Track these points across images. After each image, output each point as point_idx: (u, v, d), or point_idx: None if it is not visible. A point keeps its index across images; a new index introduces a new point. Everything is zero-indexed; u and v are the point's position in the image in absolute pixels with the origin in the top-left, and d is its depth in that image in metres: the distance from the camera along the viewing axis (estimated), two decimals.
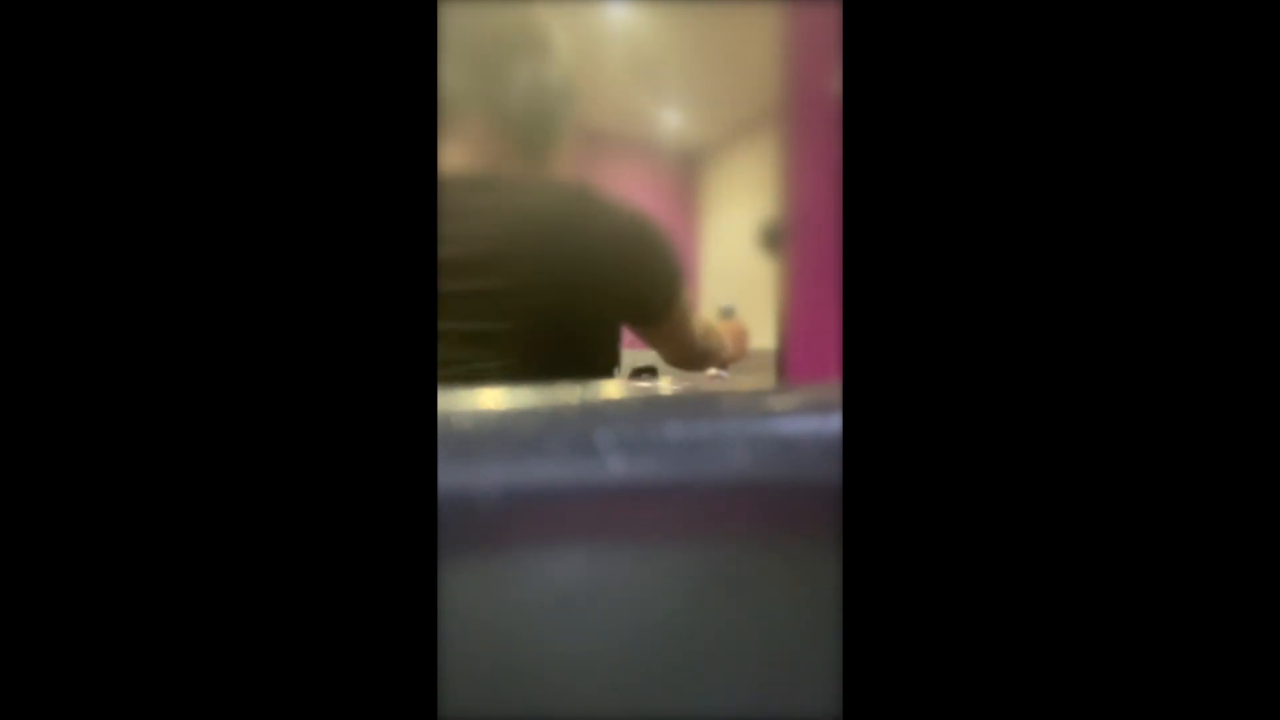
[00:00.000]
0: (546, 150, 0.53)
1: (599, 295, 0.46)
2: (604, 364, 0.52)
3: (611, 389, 0.24)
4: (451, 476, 0.19)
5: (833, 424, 0.21)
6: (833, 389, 0.23)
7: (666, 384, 0.26)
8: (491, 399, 0.22)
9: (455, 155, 0.49)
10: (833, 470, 0.20)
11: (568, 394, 0.23)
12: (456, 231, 0.43)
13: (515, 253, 0.43)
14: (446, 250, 0.42)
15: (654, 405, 0.23)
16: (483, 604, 0.19)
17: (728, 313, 0.86)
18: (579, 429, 0.20)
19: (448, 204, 0.43)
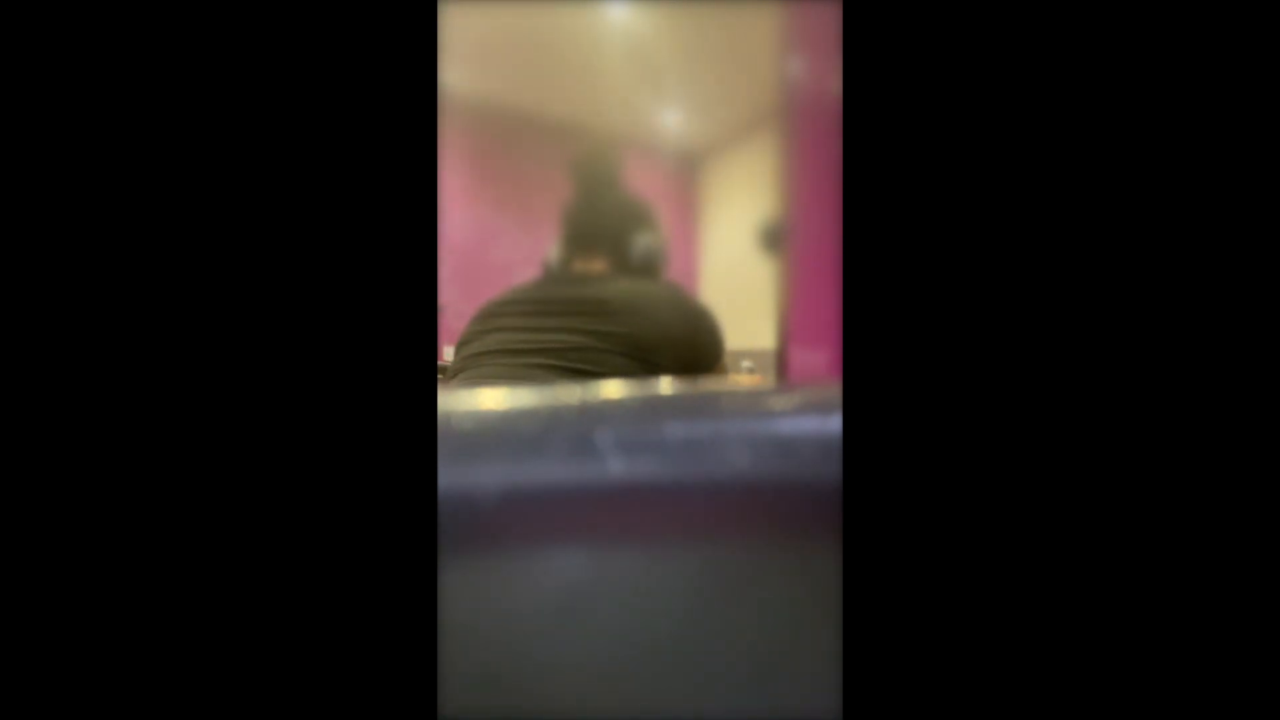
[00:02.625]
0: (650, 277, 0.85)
1: (675, 351, 0.71)
2: None
3: (612, 389, 0.24)
4: (451, 476, 0.19)
5: (833, 424, 0.21)
6: (833, 389, 0.23)
7: (666, 383, 0.26)
8: (491, 399, 0.22)
9: (591, 266, 0.79)
10: (833, 470, 0.20)
11: (568, 394, 0.23)
12: (593, 305, 0.69)
13: (634, 314, 0.70)
14: (585, 310, 0.69)
15: (654, 405, 0.23)
16: (483, 604, 0.19)
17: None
18: (579, 429, 0.20)
19: (590, 289, 0.71)
